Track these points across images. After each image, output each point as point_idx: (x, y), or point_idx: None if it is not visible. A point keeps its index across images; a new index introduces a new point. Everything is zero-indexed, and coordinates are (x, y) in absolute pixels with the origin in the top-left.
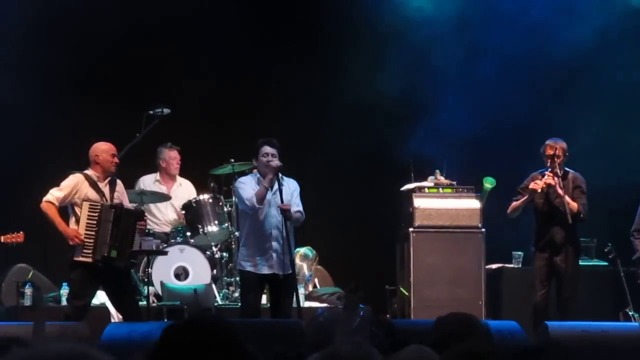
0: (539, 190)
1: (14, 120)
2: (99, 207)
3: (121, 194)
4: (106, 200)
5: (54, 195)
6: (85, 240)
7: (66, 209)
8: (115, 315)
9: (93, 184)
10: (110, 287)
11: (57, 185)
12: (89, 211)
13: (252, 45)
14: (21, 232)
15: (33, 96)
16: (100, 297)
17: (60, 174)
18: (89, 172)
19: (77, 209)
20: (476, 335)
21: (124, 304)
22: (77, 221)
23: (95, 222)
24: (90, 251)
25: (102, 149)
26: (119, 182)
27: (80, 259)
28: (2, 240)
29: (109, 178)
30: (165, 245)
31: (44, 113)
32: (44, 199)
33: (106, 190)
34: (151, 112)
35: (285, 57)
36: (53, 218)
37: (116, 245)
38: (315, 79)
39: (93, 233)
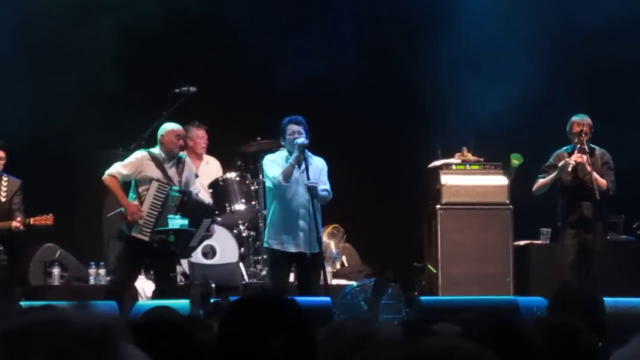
0: (569, 169)
1: (37, 103)
2: (167, 189)
3: (189, 177)
4: (172, 182)
5: (118, 170)
6: (146, 219)
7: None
8: (143, 294)
9: (158, 164)
10: (156, 266)
11: (92, 166)
12: (156, 191)
13: (278, 23)
14: (50, 215)
15: (56, 79)
16: None
17: (87, 154)
18: (155, 150)
19: (140, 187)
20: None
21: (164, 283)
22: (138, 199)
23: (160, 203)
24: (149, 230)
25: (168, 130)
26: (187, 164)
27: (137, 235)
28: (31, 223)
29: (175, 159)
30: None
31: (69, 93)
32: (107, 172)
33: (172, 172)
34: (177, 90)
35: (313, 34)
36: (116, 192)
37: (166, 230)
38: (341, 56)
39: (156, 213)
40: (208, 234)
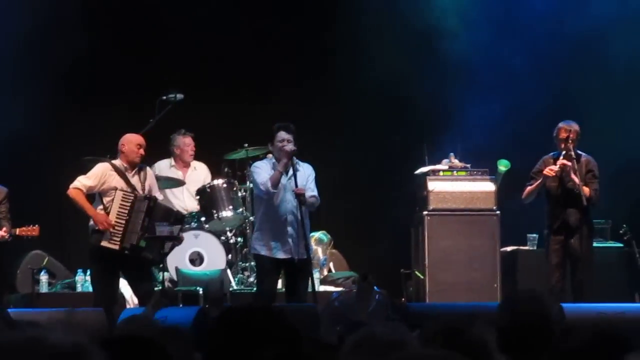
0: (553, 174)
1: (27, 111)
2: (132, 197)
3: (152, 185)
4: (136, 190)
5: (82, 182)
6: (115, 227)
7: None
8: (131, 301)
9: (121, 174)
10: (130, 274)
11: (79, 173)
12: (122, 200)
13: (266, 30)
14: (36, 226)
15: (45, 86)
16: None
17: (76, 161)
18: (116, 161)
19: (105, 198)
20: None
21: (141, 290)
22: (104, 209)
23: (126, 211)
24: (118, 239)
25: (128, 139)
26: (149, 172)
27: (107, 245)
28: (17, 233)
29: (137, 168)
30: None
31: (57, 100)
32: (72, 185)
33: (135, 180)
34: (164, 97)
35: (300, 40)
36: (82, 204)
37: (146, 236)
38: (331, 64)
39: (123, 221)
40: (177, 242)
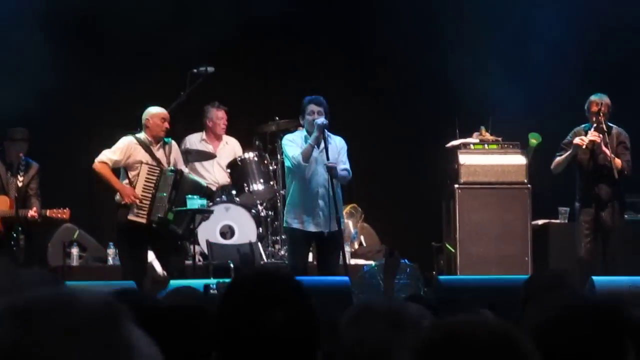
0: (584, 147)
1: (57, 87)
2: (157, 170)
3: (177, 159)
4: (162, 164)
5: (108, 156)
6: (142, 201)
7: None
8: (161, 273)
9: (146, 148)
10: (159, 248)
11: (106, 146)
12: (147, 174)
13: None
14: (67, 209)
15: (73, 63)
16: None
17: (107, 138)
18: (141, 135)
19: (130, 173)
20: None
21: (170, 264)
22: (130, 183)
23: (152, 184)
24: (145, 212)
25: (152, 113)
26: (174, 146)
27: (134, 218)
28: (47, 214)
29: (161, 142)
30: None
31: (88, 77)
32: (97, 159)
33: (160, 154)
34: (195, 70)
35: (330, 14)
36: (108, 177)
37: (173, 209)
38: (356, 36)
39: (150, 195)
40: (206, 216)
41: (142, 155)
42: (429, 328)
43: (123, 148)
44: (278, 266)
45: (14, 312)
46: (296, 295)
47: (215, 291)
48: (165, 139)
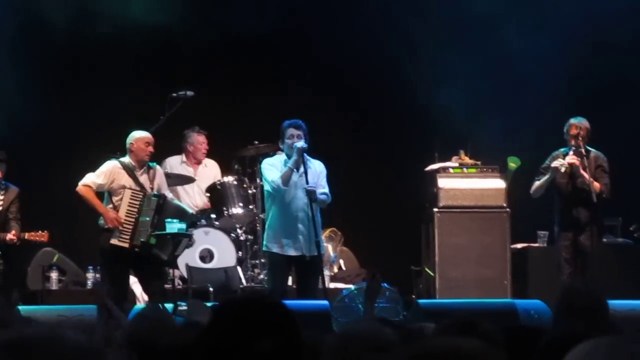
0: (562, 170)
1: (37, 110)
2: (140, 195)
3: (161, 184)
4: (145, 189)
5: (92, 180)
6: (124, 225)
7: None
8: (141, 298)
9: (130, 172)
10: (140, 272)
11: (89, 170)
12: (131, 198)
13: (274, 25)
14: (45, 232)
15: (54, 84)
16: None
17: (86, 161)
18: (125, 159)
19: (114, 197)
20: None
21: (152, 288)
22: (115, 208)
23: (136, 209)
24: (127, 237)
25: (136, 137)
26: (159, 171)
27: (117, 242)
28: (26, 237)
29: (145, 166)
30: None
31: (66, 99)
32: (81, 182)
33: (143, 178)
34: (174, 94)
35: (308, 38)
36: (92, 200)
37: (156, 234)
38: (336, 61)
39: (133, 220)
40: (190, 242)
41: (125, 179)
42: (408, 349)
43: (107, 172)
44: (263, 291)
45: (10, 346)
46: (286, 324)
47: (185, 308)
48: (150, 163)
